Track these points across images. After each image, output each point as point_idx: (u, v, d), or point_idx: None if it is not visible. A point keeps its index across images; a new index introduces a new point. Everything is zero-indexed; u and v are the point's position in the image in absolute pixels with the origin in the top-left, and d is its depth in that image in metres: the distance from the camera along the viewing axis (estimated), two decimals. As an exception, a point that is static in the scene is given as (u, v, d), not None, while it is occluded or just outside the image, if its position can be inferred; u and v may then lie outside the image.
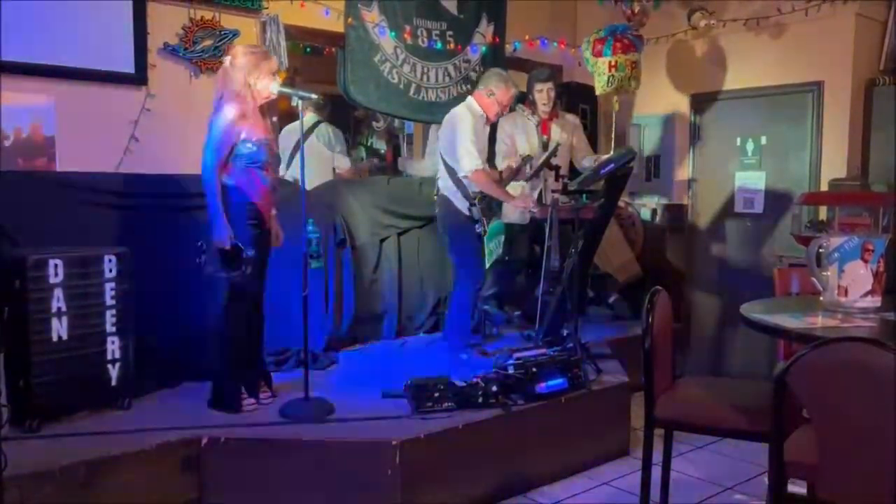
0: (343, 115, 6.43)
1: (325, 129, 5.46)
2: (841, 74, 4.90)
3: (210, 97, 3.41)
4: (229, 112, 3.20)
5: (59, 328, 3.10)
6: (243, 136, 3.21)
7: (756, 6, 5.15)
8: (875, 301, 2.86)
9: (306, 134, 5.27)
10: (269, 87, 3.29)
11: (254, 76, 3.25)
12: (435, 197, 4.25)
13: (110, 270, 3.25)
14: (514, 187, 4.38)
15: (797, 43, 5.06)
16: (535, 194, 4.37)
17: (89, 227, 3.53)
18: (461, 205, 4.09)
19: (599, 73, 5.16)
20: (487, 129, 4.24)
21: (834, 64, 4.91)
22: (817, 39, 4.95)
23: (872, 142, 4.96)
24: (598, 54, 5.11)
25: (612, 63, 5.08)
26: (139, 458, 2.88)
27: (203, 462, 3.03)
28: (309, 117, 5.40)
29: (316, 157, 5.27)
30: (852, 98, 4.90)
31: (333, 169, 5.42)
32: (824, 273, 2.94)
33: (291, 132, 5.12)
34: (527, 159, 4.34)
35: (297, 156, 5.08)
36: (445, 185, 4.16)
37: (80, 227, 3.50)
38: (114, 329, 3.27)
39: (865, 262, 2.84)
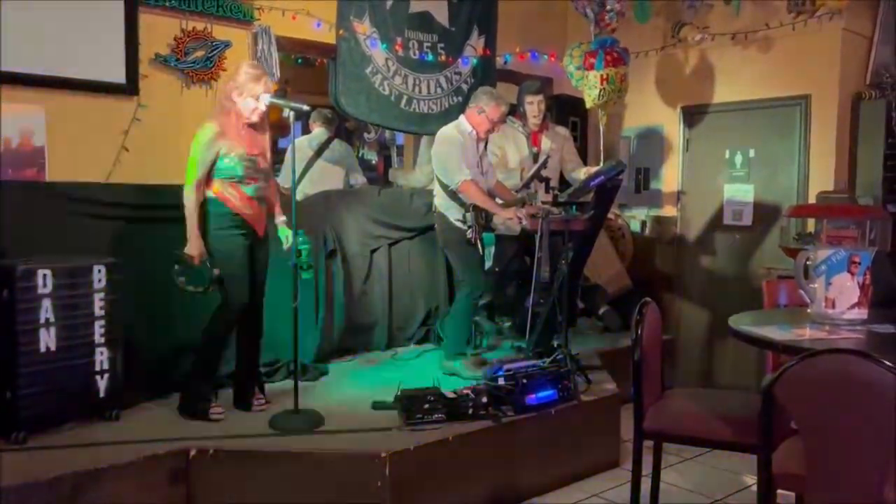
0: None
1: (339, 146, 5.49)
2: (828, 88, 4.95)
3: (201, 108, 3.44)
4: (208, 130, 3.30)
5: (48, 339, 3.08)
6: (223, 151, 3.30)
7: (744, 21, 5.20)
8: (862, 313, 2.88)
9: (321, 149, 5.30)
10: (249, 108, 3.32)
11: (237, 93, 3.32)
12: (433, 213, 4.29)
13: (99, 281, 3.24)
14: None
15: (785, 57, 5.12)
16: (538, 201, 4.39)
17: (79, 238, 3.51)
18: (456, 216, 4.11)
19: (590, 86, 5.18)
20: (482, 145, 4.26)
21: (821, 78, 4.96)
22: (804, 54, 5.00)
23: (859, 155, 5.01)
24: (590, 67, 5.13)
25: (604, 76, 5.11)
26: (127, 470, 2.86)
27: (191, 474, 3.01)
28: (320, 132, 5.42)
29: (329, 174, 5.28)
30: (839, 112, 4.95)
31: (351, 185, 5.45)
32: (812, 285, 2.97)
33: (301, 148, 5.14)
34: (546, 160, 4.45)
35: (310, 169, 5.14)
36: (441, 202, 4.20)
37: (69, 237, 3.49)
38: (102, 340, 3.25)
39: (852, 274, 2.86)
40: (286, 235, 3.53)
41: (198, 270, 3.28)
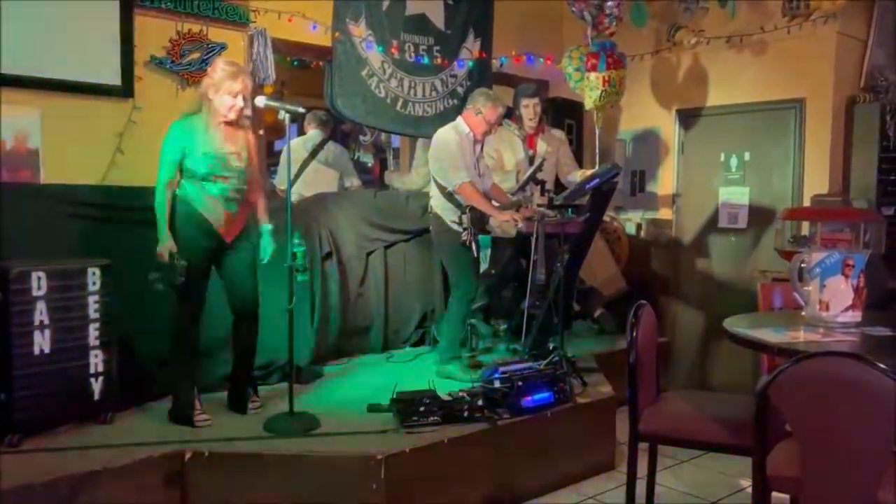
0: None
1: (333, 148, 5.49)
2: (822, 92, 4.97)
3: (196, 110, 3.44)
4: (170, 131, 3.26)
5: (42, 341, 3.07)
6: (187, 150, 3.24)
7: (739, 24, 5.22)
8: (856, 316, 2.89)
9: (315, 151, 5.29)
10: (226, 105, 3.27)
11: (213, 90, 3.27)
12: (429, 215, 4.30)
13: (94, 283, 3.23)
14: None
15: (779, 61, 5.13)
16: (534, 203, 4.40)
17: (74, 240, 3.51)
18: (452, 218, 4.12)
19: (591, 87, 5.18)
20: (479, 147, 4.27)
21: (815, 81, 4.98)
22: (799, 57, 5.02)
23: (853, 158, 5.03)
24: (592, 69, 5.14)
25: (606, 78, 5.12)
26: (121, 472, 2.85)
27: (186, 477, 3.00)
28: (314, 134, 5.41)
29: (323, 176, 5.28)
30: (833, 115, 4.97)
31: (345, 188, 5.44)
32: (806, 288, 2.97)
33: (296, 149, 5.13)
34: (542, 163, 4.46)
35: (303, 170, 5.13)
36: (437, 203, 4.20)
37: (64, 239, 3.48)
38: (97, 342, 3.24)
39: (846, 277, 2.87)
40: (266, 243, 3.46)
41: (167, 267, 3.20)
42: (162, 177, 3.25)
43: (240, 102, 3.29)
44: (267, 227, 3.50)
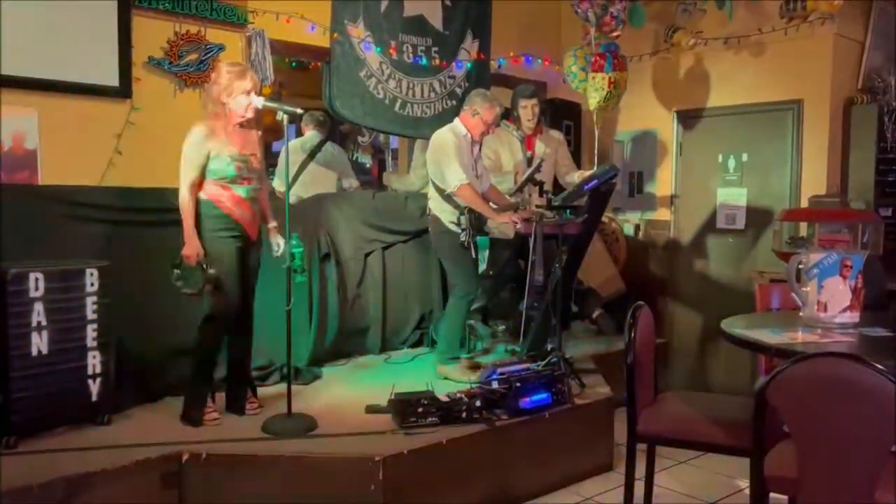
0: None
1: (331, 149, 5.48)
2: (820, 93, 4.98)
3: (194, 111, 3.43)
4: (193, 134, 3.27)
5: (39, 343, 3.07)
6: (212, 153, 3.26)
7: (736, 25, 5.23)
8: (854, 316, 2.90)
9: (313, 152, 5.29)
10: (242, 105, 3.29)
11: (226, 94, 3.28)
12: (427, 217, 4.29)
13: (92, 284, 3.23)
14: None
15: (777, 62, 5.14)
16: (532, 204, 4.39)
17: (71, 241, 3.50)
18: (451, 219, 4.12)
19: (596, 87, 5.16)
20: (476, 148, 4.27)
21: (813, 83, 4.99)
22: (797, 59, 5.03)
23: (851, 159, 5.04)
24: (599, 69, 5.13)
25: (612, 79, 5.12)
26: (119, 474, 2.84)
27: (183, 478, 2.99)
28: (312, 135, 5.41)
29: (321, 177, 5.27)
30: (831, 116, 4.98)
31: (344, 189, 5.44)
32: (804, 289, 2.98)
33: (294, 151, 5.12)
34: (540, 164, 4.45)
35: (301, 172, 5.12)
36: (435, 205, 4.20)
37: (61, 240, 3.47)
38: (94, 344, 3.24)
39: (844, 278, 2.88)
40: (277, 242, 3.49)
41: (193, 271, 3.23)
42: (186, 181, 3.25)
43: (254, 100, 3.32)
44: (273, 224, 3.52)
